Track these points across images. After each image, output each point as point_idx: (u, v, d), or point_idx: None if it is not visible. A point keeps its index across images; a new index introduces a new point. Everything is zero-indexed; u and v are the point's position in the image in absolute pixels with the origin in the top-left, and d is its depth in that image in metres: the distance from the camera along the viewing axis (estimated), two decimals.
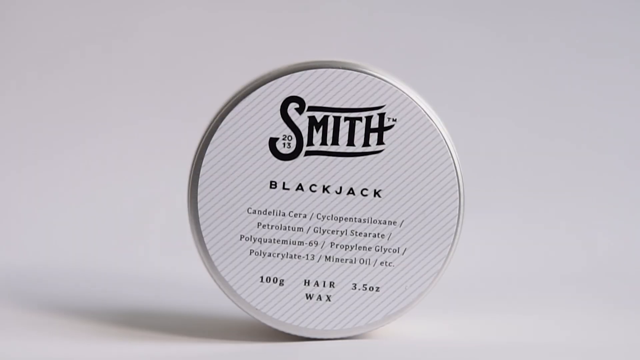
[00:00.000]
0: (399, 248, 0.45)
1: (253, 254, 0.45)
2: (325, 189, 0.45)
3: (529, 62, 0.71)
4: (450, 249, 0.45)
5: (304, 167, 0.45)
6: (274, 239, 0.45)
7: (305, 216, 0.45)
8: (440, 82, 0.69)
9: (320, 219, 0.45)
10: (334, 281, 0.45)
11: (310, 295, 0.45)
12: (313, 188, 0.45)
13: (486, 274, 0.59)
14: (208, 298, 0.51)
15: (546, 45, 0.71)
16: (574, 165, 0.69)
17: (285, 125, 0.44)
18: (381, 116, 0.44)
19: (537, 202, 0.67)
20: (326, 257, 0.45)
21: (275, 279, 0.45)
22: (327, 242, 0.45)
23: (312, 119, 0.44)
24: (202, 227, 0.45)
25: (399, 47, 0.70)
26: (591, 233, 0.65)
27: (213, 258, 0.45)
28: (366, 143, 0.44)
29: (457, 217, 0.45)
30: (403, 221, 0.45)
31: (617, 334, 0.48)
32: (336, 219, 0.45)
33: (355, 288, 0.45)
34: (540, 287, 0.58)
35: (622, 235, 0.65)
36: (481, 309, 0.52)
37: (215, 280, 0.45)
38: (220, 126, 0.44)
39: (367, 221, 0.45)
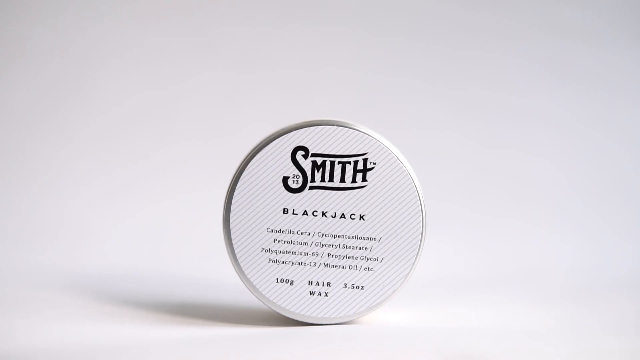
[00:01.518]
0: (378, 257, 0.45)
1: (271, 261, 0.45)
2: (323, 214, 0.45)
3: (477, 118, 0.71)
4: (416, 258, 0.45)
5: (308, 198, 0.45)
6: (286, 251, 0.45)
7: (309, 234, 0.45)
8: (409, 134, 0.69)
9: (320, 236, 0.45)
10: (330, 282, 0.45)
11: (312, 292, 0.45)
12: (315, 213, 0.45)
13: (442, 277, 0.59)
14: (237, 294, 0.51)
15: (491, 104, 0.71)
16: (509, 196, 0.68)
17: (294, 167, 0.44)
18: (365, 160, 0.44)
19: (479, 223, 0.67)
20: (324, 264, 0.45)
21: (287, 280, 0.45)
22: (325, 253, 0.45)
23: (314, 163, 0.45)
24: (233, 242, 0.45)
25: (380, 107, 0.70)
26: (521, 244, 0.64)
27: (241, 265, 0.45)
28: (354, 180, 0.44)
29: (420, 234, 0.45)
30: (381, 237, 0.45)
31: (538, 319, 0.48)
32: (332, 236, 0.45)
33: (346, 287, 0.45)
34: (483, 285, 0.57)
35: (546, 246, 0.65)
36: (439, 302, 0.53)
37: (243, 281, 0.45)
38: (247, 167, 0.45)
39: (354, 237, 0.45)
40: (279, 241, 0.45)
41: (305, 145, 0.45)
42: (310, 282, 0.45)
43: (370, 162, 0.45)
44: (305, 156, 0.45)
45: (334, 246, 0.45)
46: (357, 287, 0.45)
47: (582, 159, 0.69)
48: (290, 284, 0.45)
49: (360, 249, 0.45)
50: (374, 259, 0.45)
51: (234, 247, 0.45)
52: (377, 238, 0.45)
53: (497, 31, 0.71)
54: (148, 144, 0.69)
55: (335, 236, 0.45)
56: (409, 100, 0.71)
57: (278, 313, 0.45)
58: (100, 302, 0.50)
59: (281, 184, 0.44)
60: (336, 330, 0.44)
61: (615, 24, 0.71)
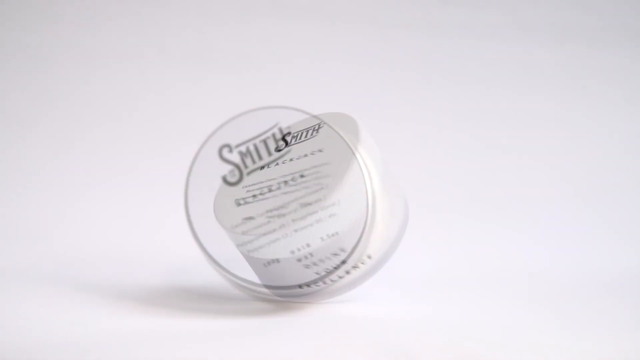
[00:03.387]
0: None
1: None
2: (270, 190, 0.47)
3: (472, 119, 0.72)
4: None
5: (252, 182, 0.47)
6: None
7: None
8: (399, 134, 0.70)
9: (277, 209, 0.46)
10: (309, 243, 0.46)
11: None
12: (263, 192, 0.47)
13: (440, 277, 0.58)
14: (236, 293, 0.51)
15: (485, 105, 0.72)
16: (503, 197, 0.69)
17: (227, 164, 0.47)
18: (279, 128, 0.47)
19: (474, 224, 0.67)
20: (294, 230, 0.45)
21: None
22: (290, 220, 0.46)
23: (240, 152, 0.47)
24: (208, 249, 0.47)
25: (370, 107, 0.71)
26: (518, 245, 0.65)
27: (228, 267, 0.47)
28: (278, 149, 0.47)
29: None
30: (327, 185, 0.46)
31: (536, 319, 0.48)
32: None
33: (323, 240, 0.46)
34: (479, 286, 0.56)
35: (542, 246, 0.65)
36: (437, 302, 0.52)
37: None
38: (188, 189, 0.47)
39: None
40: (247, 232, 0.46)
41: (226, 143, 0.47)
42: (292, 252, 0.46)
43: (285, 128, 0.47)
44: (230, 151, 0.47)
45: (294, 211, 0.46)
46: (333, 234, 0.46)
47: (578, 160, 0.70)
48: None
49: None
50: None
51: (210, 253, 0.47)
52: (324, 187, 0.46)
53: (495, 32, 0.72)
54: (144, 144, 0.72)
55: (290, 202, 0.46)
56: (400, 100, 0.72)
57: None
58: (99, 295, 0.51)
59: (224, 184, 0.47)
60: (331, 325, 0.44)
61: (616, 25, 0.71)
